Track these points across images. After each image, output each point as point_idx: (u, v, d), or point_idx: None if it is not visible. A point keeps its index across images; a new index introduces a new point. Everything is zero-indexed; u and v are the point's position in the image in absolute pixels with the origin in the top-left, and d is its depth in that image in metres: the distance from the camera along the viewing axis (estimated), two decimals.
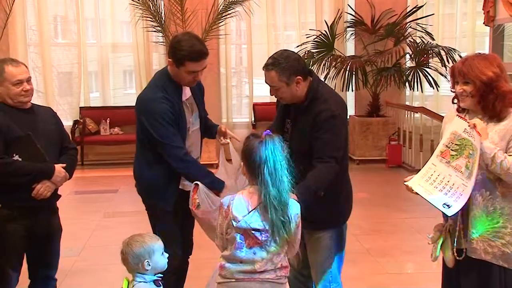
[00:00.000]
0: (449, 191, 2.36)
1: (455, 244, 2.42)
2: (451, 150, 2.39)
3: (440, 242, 2.46)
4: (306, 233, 2.72)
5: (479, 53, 2.50)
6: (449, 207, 2.32)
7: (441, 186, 2.38)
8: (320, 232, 2.77)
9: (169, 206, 2.84)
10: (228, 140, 3.00)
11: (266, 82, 2.73)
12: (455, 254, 2.42)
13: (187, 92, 2.88)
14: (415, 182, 2.41)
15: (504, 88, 2.33)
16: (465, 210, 2.37)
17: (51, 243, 2.98)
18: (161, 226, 2.85)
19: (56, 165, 2.84)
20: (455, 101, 2.51)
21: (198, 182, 2.69)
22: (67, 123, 7.88)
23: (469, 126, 2.32)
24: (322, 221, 2.74)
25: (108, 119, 8.16)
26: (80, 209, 6.03)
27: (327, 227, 2.78)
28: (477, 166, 2.31)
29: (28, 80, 2.84)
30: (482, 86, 2.31)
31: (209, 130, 3.11)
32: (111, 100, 8.54)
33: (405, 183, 2.40)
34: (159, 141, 2.73)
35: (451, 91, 2.51)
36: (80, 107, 8.24)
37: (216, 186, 2.73)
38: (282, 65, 2.67)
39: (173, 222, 2.86)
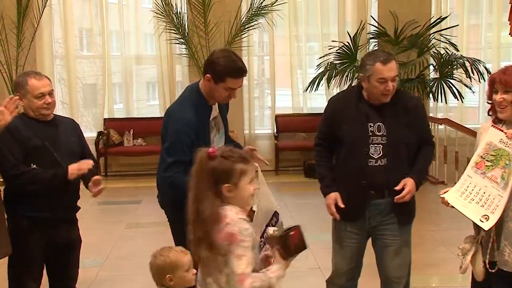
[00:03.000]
0: (486, 202, 2.34)
1: (487, 256, 2.37)
2: (486, 160, 2.38)
3: (471, 254, 2.40)
4: (389, 231, 2.85)
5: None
6: (487, 220, 2.30)
7: (477, 198, 2.37)
8: (408, 226, 2.91)
9: None
10: (257, 165, 2.97)
11: (386, 76, 2.74)
12: (488, 266, 2.37)
13: (214, 110, 2.88)
14: (451, 195, 2.40)
15: None
16: (499, 221, 2.34)
17: (70, 254, 2.99)
18: (180, 238, 2.84)
19: (69, 166, 2.81)
20: (490, 112, 2.49)
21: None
22: (91, 134, 7.97)
23: (506, 136, 2.29)
24: (409, 213, 2.91)
25: (132, 130, 8.22)
26: (103, 220, 6.07)
27: (411, 219, 2.94)
28: None
29: (50, 93, 2.86)
30: None
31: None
32: (134, 111, 8.61)
33: (441, 195, 2.38)
34: (167, 155, 2.74)
35: (487, 102, 2.49)
36: (104, 119, 8.32)
37: None
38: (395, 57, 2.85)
39: None
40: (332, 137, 2.89)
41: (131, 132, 8.22)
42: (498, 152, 2.34)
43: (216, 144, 2.89)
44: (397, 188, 2.74)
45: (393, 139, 2.77)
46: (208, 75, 2.75)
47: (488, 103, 2.48)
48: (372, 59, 2.77)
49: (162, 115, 9.64)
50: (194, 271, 2.27)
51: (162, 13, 7.71)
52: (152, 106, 9.05)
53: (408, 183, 2.75)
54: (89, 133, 7.89)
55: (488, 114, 2.51)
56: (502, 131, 2.33)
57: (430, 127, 7.57)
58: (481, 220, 2.31)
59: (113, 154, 8.10)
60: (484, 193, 2.34)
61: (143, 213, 6.06)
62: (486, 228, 2.29)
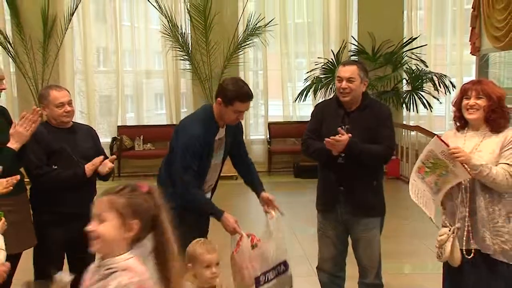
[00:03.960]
0: (425, 206, 2.41)
1: (463, 245, 2.41)
2: (426, 166, 2.41)
3: (449, 244, 2.42)
4: (358, 224, 2.85)
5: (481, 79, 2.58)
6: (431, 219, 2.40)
7: (421, 200, 2.43)
8: (371, 219, 2.86)
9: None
10: (273, 213, 2.90)
11: (342, 76, 2.82)
12: (465, 253, 2.41)
13: (221, 132, 2.88)
14: (412, 196, 2.45)
15: (506, 108, 2.40)
16: (471, 214, 2.38)
17: (88, 247, 2.97)
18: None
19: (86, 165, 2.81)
20: (455, 120, 2.53)
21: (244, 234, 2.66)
22: (107, 139, 7.93)
23: (449, 150, 2.32)
24: (374, 208, 2.88)
25: (142, 136, 8.20)
26: None
27: (377, 214, 2.90)
28: (448, 186, 2.36)
29: (69, 102, 2.87)
30: (495, 101, 2.36)
31: (251, 182, 3.04)
32: (144, 119, 8.59)
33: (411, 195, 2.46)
34: (179, 167, 2.71)
35: (453, 110, 2.51)
36: (117, 126, 8.30)
37: (217, 215, 2.69)
38: (362, 65, 2.92)
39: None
40: (318, 134, 2.91)
41: (141, 138, 8.20)
42: (438, 162, 2.36)
43: (214, 160, 2.87)
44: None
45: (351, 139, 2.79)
46: (219, 98, 2.76)
47: (453, 110, 2.51)
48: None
49: (169, 123, 9.68)
50: (214, 271, 2.22)
51: (169, 33, 7.71)
52: (160, 115, 9.04)
53: (344, 136, 2.71)
54: (105, 139, 7.84)
55: (454, 121, 2.53)
56: (447, 144, 2.35)
57: (403, 133, 7.66)
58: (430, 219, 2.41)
59: (126, 157, 8.07)
60: (423, 196, 2.41)
61: None
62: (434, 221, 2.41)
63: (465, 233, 2.40)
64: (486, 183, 2.32)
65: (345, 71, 2.83)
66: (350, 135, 2.74)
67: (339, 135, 2.73)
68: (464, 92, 2.44)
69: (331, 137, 2.72)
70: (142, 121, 8.53)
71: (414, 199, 2.44)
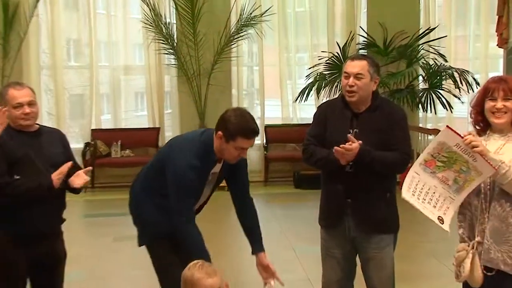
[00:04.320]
0: (437, 203, 2.37)
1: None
2: (438, 160, 2.38)
3: (469, 261, 2.40)
4: (368, 242, 2.85)
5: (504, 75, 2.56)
6: (442, 223, 2.35)
7: (428, 197, 2.39)
8: (383, 236, 2.87)
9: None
10: (273, 283, 2.91)
11: (349, 72, 2.84)
12: (483, 271, 2.39)
13: (218, 166, 2.88)
14: (408, 195, 2.40)
15: None
16: (483, 222, 2.37)
17: (55, 269, 2.95)
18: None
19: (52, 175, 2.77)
20: (472, 123, 2.52)
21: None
22: (78, 145, 7.90)
23: (464, 141, 2.30)
24: (387, 223, 2.88)
25: (120, 141, 8.17)
26: (90, 233, 6.01)
27: (390, 230, 2.91)
28: (474, 184, 2.32)
29: (30, 103, 2.82)
30: None
31: (251, 234, 3.01)
32: (122, 122, 8.57)
33: (402, 197, 2.42)
34: (176, 200, 2.74)
35: (473, 112, 2.48)
36: (91, 129, 8.26)
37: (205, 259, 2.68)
38: (373, 60, 2.92)
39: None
40: (321, 140, 2.91)
41: (119, 143, 8.17)
42: (453, 156, 2.34)
43: (203, 194, 2.90)
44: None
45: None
46: (220, 132, 2.74)
47: (473, 112, 2.49)
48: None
49: (151, 126, 9.61)
50: None
51: (151, 23, 7.71)
52: (140, 117, 9.02)
53: (354, 144, 2.72)
54: (76, 144, 7.82)
55: (474, 125, 2.53)
56: (460, 135, 2.34)
57: (419, 137, 7.67)
58: (439, 222, 2.36)
59: (101, 165, 8.03)
60: (434, 193, 2.37)
61: (131, 226, 5.98)
62: (448, 230, 2.35)
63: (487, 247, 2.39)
64: (502, 185, 2.32)
65: (353, 66, 2.83)
66: (360, 142, 2.74)
67: (349, 142, 2.73)
68: (487, 92, 2.42)
69: (341, 146, 2.72)
70: (119, 123, 8.51)
71: (408, 197, 2.38)
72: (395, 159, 2.82)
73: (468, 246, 2.43)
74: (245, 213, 3.02)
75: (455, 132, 2.36)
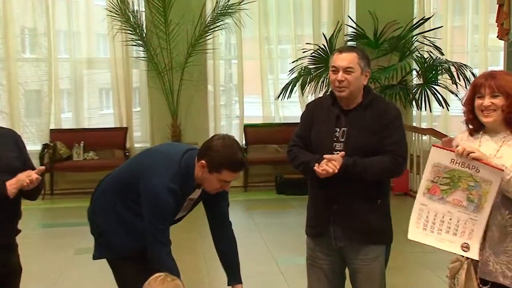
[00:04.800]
0: (457, 230, 2.38)
1: (478, 272, 2.44)
2: (440, 184, 2.40)
3: (463, 273, 2.45)
4: (356, 253, 2.87)
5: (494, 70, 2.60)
6: (469, 249, 2.35)
7: (445, 226, 2.40)
8: (373, 247, 2.88)
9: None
10: None
11: (337, 65, 2.86)
12: (479, 284, 2.43)
13: (196, 192, 2.90)
14: (416, 233, 2.43)
15: None
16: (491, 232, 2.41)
17: (8, 285, 2.92)
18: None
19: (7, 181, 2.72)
20: (465, 122, 2.57)
21: None
22: (35, 147, 7.84)
23: (457, 153, 2.34)
24: (378, 233, 2.90)
25: (82, 142, 8.12)
26: (48, 245, 5.96)
27: (381, 240, 2.93)
28: (491, 197, 2.32)
29: None
30: None
31: (228, 264, 3.02)
32: (85, 121, 8.52)
33: (409, 238, 2.46)
34: (150, 223, 2.76)
35: (465, 110, 2.55)
36: (50, 130, 8.20)
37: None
38: (363, 52, 2.94)
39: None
40: (307, 141, 2.94)
41: (81, 145, 8.12)
42: (453, 174, 2.36)
43: (178, 215, 2.92)
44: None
45: (349, 146, 2.82)
46: (203, 161, 2.74)
47: (464, 110, 2.54)
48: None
49: (117, 126, 9.53)
50: None
51: (117, 11, 7.68)
52: (105, 116, 8.97)
53: (337, 159, 2.76)
54: (33, 146, 7.76)
55: (466, 124, 2.58)
56: (451, 150, 2.38)
57: (413, 138, 7.76)
58: (463, 250, 2.37)
59: (61, 169, 7.98)
60: (451, 219, 2.38)
61: None
62: (476, 258, 2.35)
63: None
64: (508, 193, 2.36)
65: (342, 59, 2.86)
66: (343, 153, 2.77)
67: (326, 161, 2.75)
68: (475, 89, 2.48)
69: (320, 166, 2.75)
70: (82, 123, 8.46)
71: (417, 236, 2.41)
72: (388, 165, 2.83)
73: (463, 256, 2.47)
74: (222, 240, 3.03)
75: (444, 148, 2.40)
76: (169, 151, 2.92)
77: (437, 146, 2.42)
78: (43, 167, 2.90)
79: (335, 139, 2.86)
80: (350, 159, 2.77)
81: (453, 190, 2.37)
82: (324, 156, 2.78)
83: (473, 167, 2.33)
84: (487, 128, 2.50)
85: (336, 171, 2.73)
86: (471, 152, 2.34)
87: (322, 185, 2.87)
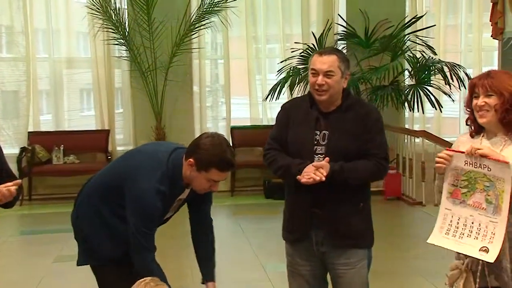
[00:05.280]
0: (479, 233, 2.39)
1: (477, 281, 2.45)
2: (460, 187, 2.44)
3: (462, 281, 2.47)
4: (338, 257, 2.90)
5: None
6: (487, 252, 2.36)
7: (467, 230, 2.42)
8: (356, 251, 2.91)
9: None
10: None
11: (317, 69, 2.87)
12: None
13: (185, 192, 2.91)
14: (438, 237, 2.45)
15: None
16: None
17: None
18: None
19: None
20: (468, 122, 2.59)
21: None
22: (13, 150, 7.80)
23: (471, 155, 2.37)
24: (360, 237, 2.94)
25: (62, 145, 8.08)
26: (27, 253, 5.92)
27: (364, 244, 2.96)
28: (507, 196, 2.33)
29: None
30: (508, 98, 2.42)
31: (204, 261, 3.06)
32: (65, 123, 8.49)
33: (428, 242, 2.47)
34: (135, 227, 2.76)
35: (466, 111, 2.58)
36: (28, 132, 8.16)
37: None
38: (342, 55, 2.97)
39: None
40: (284, 143, 2.96)
41: (61, 148, 8.08)
42: (470, 176, 2.41)
43: (166, 215, 2.95)
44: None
45: (331, 150, 2.84)
46: (191, 159, 2.76)
47: (466, 111, 2.59)
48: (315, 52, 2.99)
49: (99, 128, 9.46)
50: None
51: (98, 9, 7.66)
52: (86, 117, 8.94)
53: (325, 166, 2.78)
54: (10, 150, 7.72)
55: (467, 124, 2.61)
56: (460, 152, 2.41)
57: (406, 140, 7.80)
58: (481, 254, 2.37)
59: (40, 174, 7.94)
60: (473, 223, 2.40)
61: (75, 244, 5.93)
62: (491, 260, 2.35)
63: (479, 267, 2.45)
64: None
65: (322, 62, 2.87)
66: (327, 158, 2.80)
67: (313, 169, 2.76)
68: (471, 89, 2.52)
69: (305, 174, 2.77)
70: (62, 125, 8.43)
71: (438, 240, 2.44)
72: (373, 168, 2.88)
73: (463, 264, 2.49)
74: (201, 237, 3.07)
75: (455, 150, 2.44)
76: (155, 151, 2.92)
77: (448, 149, 2.46)
78: (19, 181, 2.81)
79: (315, 142, 2.88)
80: (336, 165, 2.80)
81: (472, 192, 2.41)
82: (313, 164, 2.79)
83: (485, 166, 2.36)
84: (487, 130, 2.53)
85: (324, 179, 2.76)
86: (479, 149, 2.37)
87: (302, 187, 2.86)
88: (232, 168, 2.82)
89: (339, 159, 2.83)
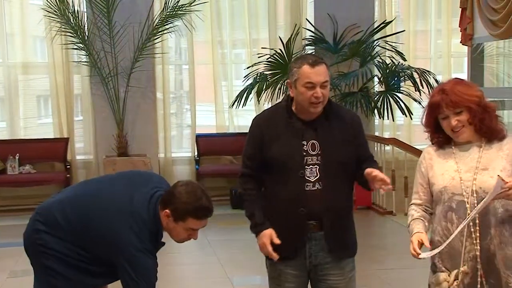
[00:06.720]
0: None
1: None
2: None
3: None
4: (333, 268, 2.91)
5: (444, 82, 2.67)
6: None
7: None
8: (348, 260, 2.96)
9: None
10: None
11: (315, 81, 2.80)
12: None
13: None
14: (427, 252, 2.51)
15: (489, 103, 2.54)
16: (488, 252, 2.46)
17: None
18: None
19: None
20: (430, 139, 2.65)
21: None
22: None
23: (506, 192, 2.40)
24: (352, 245, 3.01)
25: (17, 155, 7.97)
26: None
27: (352, 252, 3.01)
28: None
29: None
30: (477, 109, 2.47)
31: None
32: (21, 131, 8.38)
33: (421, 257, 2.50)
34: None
35: (426, 131, 2.62)
36: None
37: None
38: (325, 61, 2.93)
39: None
40: (261, 163, 2.91)
41: (17, 157, 7.97)
42: None
43: None
44: (367, 172, 2.78)
45: (327, 159, 2.84)
46: (167, 211, 2.78)
47: (426, 131, 2.62)
48: (299, 62, 2.86)
49: (57, 136, 9.34)
50: None
51: (56, 11, 7.57)
52: (44, 125, 8.82)
53: (374, 170, 2.79)
54: None
55: (432, 143, 2.65)
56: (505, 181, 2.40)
57: (375, 148, 7.88)
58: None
59: None
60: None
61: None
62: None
63: (479, 279, 2.45)
64: None
65: (318, 74, 2.79)
66: (369, 169, 2.80)
67: (380, 183, 2.76)
68: (434, 110, 2.55)
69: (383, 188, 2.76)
70: (17, 133, 8.32)
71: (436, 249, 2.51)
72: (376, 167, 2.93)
73: (449, 275, 2.49)
74: None
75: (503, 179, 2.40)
76: (130, 201, 2.85)
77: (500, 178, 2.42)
78: None
79: (304, 153, 2.84)
80: (374, 165, 2.88)
81: None
82: (375, 174, 2.75)
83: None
84: (458, 142, 2.57)
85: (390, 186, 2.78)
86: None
87: (297, 203, 2.85)
88: (209, 214, 2.86)
89: (334, 167, 2.83)
